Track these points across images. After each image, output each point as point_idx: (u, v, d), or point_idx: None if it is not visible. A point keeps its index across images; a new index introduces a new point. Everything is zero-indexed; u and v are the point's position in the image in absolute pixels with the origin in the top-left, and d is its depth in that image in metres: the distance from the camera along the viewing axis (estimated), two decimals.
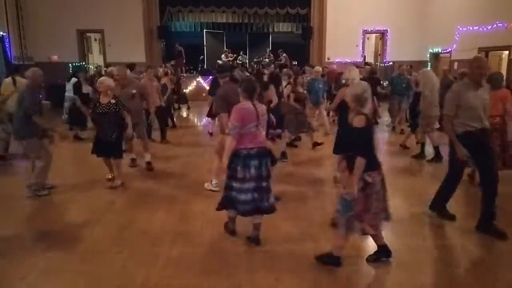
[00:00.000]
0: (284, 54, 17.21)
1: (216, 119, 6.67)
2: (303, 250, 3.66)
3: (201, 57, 18.58)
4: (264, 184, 3.57)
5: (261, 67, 16.72)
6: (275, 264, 3.42)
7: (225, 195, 3.68)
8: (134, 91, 6.11)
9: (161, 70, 11.12)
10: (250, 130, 3.50)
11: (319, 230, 4.10)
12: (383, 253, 3.41)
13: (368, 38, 18.15)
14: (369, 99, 3.13)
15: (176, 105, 13.00)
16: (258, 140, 3.56)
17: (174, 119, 10.61)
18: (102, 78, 5.92)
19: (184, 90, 14.43)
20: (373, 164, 3.08)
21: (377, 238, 3.36)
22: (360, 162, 2.97)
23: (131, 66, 11.71)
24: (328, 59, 16.70)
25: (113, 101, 5.34)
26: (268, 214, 3.65)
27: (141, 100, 6.35)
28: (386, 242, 3.38)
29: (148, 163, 6.43)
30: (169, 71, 10.83)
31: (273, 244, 3.77)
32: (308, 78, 9.33)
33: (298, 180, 5.82)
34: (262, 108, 3.70)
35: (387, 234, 3.61)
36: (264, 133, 3.73)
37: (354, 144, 3.05)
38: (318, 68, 9.51)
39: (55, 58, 15.48)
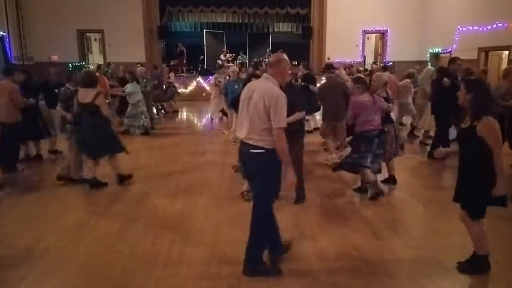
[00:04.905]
0: (284, 54, 17.17)
1: None
2: (303, 250, 3.67)
3: (201, 57, 18.60)
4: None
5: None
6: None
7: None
8: None
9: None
10: None
11: (319, 230, 4.10)
12: None
13: (368, 38, 18.19)
14: None
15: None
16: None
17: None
18: None
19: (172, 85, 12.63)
20: None
21: None
22: None
23: (99, 65, 11.54)
24: (328, 59, 16.72)
25: None
26: None
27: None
28: None
29: None
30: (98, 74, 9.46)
31: None
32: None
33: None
34: None
35: None
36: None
37: None
38: (235, 68, 8.29)
39: (55, 58, 15.50)
